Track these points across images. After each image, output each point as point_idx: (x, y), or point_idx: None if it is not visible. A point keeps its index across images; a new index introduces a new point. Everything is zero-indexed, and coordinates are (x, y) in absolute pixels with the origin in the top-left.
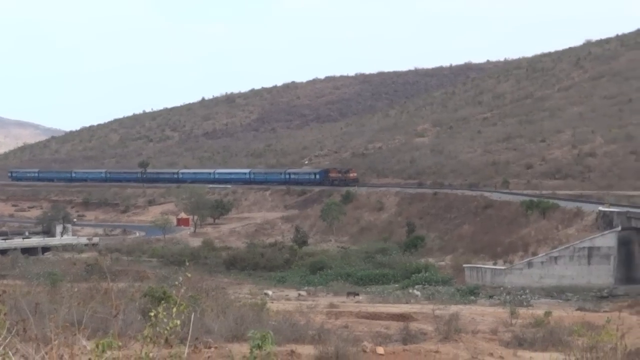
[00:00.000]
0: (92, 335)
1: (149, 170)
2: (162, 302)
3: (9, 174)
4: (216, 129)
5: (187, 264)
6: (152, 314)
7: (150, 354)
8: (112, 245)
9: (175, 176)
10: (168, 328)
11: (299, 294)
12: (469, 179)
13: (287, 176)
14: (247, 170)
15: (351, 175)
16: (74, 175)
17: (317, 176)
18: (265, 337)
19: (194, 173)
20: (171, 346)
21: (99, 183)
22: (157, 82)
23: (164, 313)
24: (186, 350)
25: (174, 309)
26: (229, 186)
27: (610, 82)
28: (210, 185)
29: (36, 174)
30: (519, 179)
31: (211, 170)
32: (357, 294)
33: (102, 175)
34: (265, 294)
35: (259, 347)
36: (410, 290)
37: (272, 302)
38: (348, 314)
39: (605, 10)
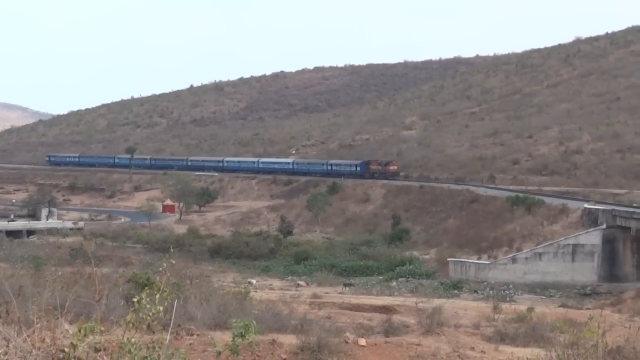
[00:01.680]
0: (75, 320)
1: (193, 157)
2: (146, 288)
3: (47, 159)
4: (204, 117)
5: (172, 250)
6: (135, 299)
7: (132, 340)
8: (97, 230)
9: (220, 164)
10: (151, 314)
11: (298, 284)
12: (455, 173)
13: (329, 167)
14: (290, 160)
15: (391, 168)
16: (117, 161)
17: (358, 168)
18: (248, 326)
19: (239, 162)
20: (153, 332)
21: (143, 169)
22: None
23: (147, 299)
24: (168, 337)
25: (157, 296)
26: (216, 174)
27: (599, 79)
28: (196, 173)
29: (76, 159)
30: (505, 175)
31: (255, 159)
32: (352, 284)
33: (147, 162)
34: (249, 282)
35: (242, 335)
36: (393, 284)
37: (256, 291)
38: (331, 305)
39: (596, 8)
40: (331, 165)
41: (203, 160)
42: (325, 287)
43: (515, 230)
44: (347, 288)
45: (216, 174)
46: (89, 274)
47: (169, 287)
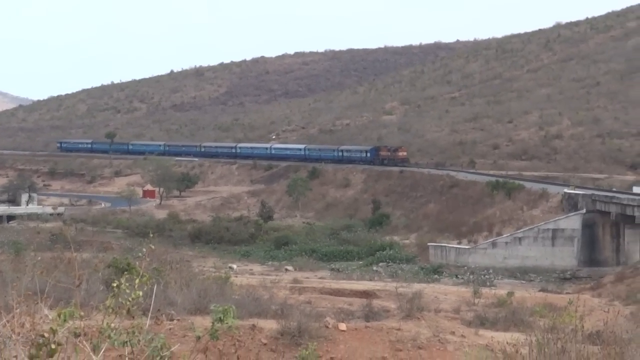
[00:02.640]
0: (55, 305)
1: (206, 143)
2: (125, 273)
3: (58, 145)
4: (184, 102)
5: (152, 236)
6: (114, 284)
7: (112, 325)
8: (77, 216)
9: (233, 150)
10: (130, 299)
11: (286, 269)
12: (435, 158)
13: (340, 153)
14: (302, 146)
15: (400, 154)
16: (130, 147)
17: (368, 154)
18: (227, 311)
19: (251, 148)
20: (133, 317)
21: (156, 156)
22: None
23: (127, 284)
24: (147, 322)
25: (137, 281)
26: (196, 159)
27: (579, 64)
28: (177, 158)
29: (89, 145)
30: (486, 159)
31: (268, 145)
32: (338, 270)
33: (161, 149)
34: (230, 267)
35: (221, 320)
36: (375, 268)
37: (236, 276)
38: (311, 290)
39: None
40: (342, 151)
41: (216, 147)
42: (315, 272)
43: (495, 215)
44: (330, 273)
45: (196, 159)
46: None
47: (149, 273)
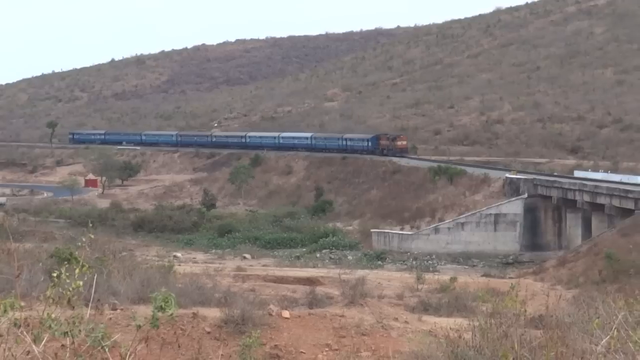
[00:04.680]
0: None
1: (217, 134)
2: (65, 263)
3: (70, 136)
4: (125, 90)
5: (91, 225)
6: (54, 274)
7: (53, 315)
8: (19, 206)
9: (243, 140)
10: (71, 289)
11: (244, 257)
12: None
13: (344, 142)
14: (309, 135)
15: (399, 143)
16: (143, 138)
17: (369, 143)
18: (168, 299)
19: (260, 137)
20: (73, 308)
21: (170, 147)
22: (67, 42)
23: (67, 274)
24: (88, 312)
25: (77, 270)
26: (138, 148)
27: (519, 49)
28: (119, 147)
29: (102, 136)
30: (427, 145)
31: (276, 134)
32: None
33: (173, 139)
34: (175, 256)
35: (162, 308)
36: (318, 255)
37: (180, 265)
38: (255, 278)
39: None
40: (345, 140)
41: (227, 137)
42: (258, 259)
43: (438, 201)
44: (274, 260)
45: (138, 147)
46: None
47: (91, 262)
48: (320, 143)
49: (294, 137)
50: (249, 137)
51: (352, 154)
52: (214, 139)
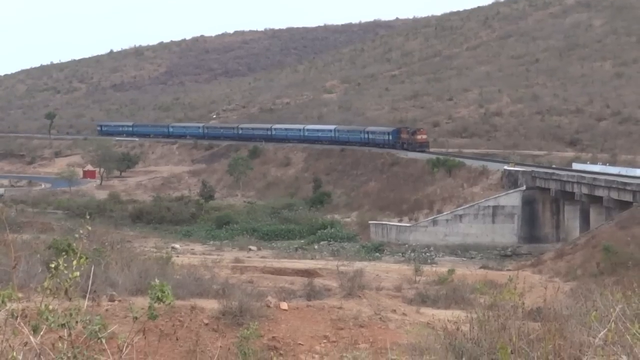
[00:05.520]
0: None
1: (243, 126)
2: (63, 254)
3: (98, 128)
4: (124, 82)
5: (88, 216)
6: (52, 265)
7: (50, 307)
8: (17, 197)
9: (268, 132)
10: (68, 280)
11: (250, 248)
12: None
13: (366, 135)
14: (332, 127)
15: (419, 137)
16: (171, 130)
17: (390, 136)
18: (164, 290)
19: (286, 129)
20: (70, 299)
21: (197, 140)
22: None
23: (65, 265)
24: (85, 303)
25: (75, 262)
26: (137, 139)
27: (518, 42)
28: (117, 138)
29: (130, 129)
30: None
31: (301, 127)
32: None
33: (200, 131)
34: (173, 247)
35: (159, 299)
36: (316, 247)
37: (178, 256)
38: (253, 269)
39: None
40: (367, 133)
41: (253, 129)
42: (257, 251)
43: (436, 193)
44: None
45: (137, 139)
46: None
47: (90, 253)
48: (344, 136)
49: (318, 130)
50: (275, 129)
51: (374, 147)
52: (240, 132)
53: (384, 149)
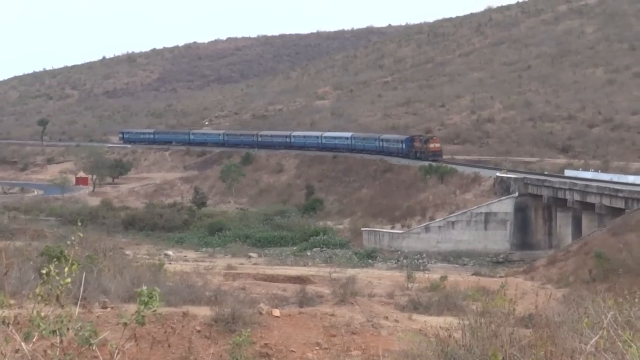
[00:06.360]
0: None
1: (263, 133)
2: (54, 260)
3: (120, 135)
4: (117, 88)
5: (81, 223)
6: (43, 272)
7: (42, 313)
8: (10, 204)
9: (287, 140)
10: (60, 287)
11: (249, 255)
12: None
13: (381, 143)
14: (349, 135)
15: (431, 145)
16: (192, 137)
17: (403, 145)
18: (152, 295)
19: (304, 137)
20: (62, 306)
21: (215, 147)
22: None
23: (56, 271)
24: (77, 310)
25: (66, 269)
26: (129, 146)
27: (510, 48)
28: (110, 145)
29: (151, 136)
30: None
31: (319, 134)
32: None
33: (220, 138)
34: (166, 254)
35: (146, 304)
36: (309, 254)
37: (170, 263)
38: (245, 276)
39: None
40: (382, 141)
41: (272, 136)
42: (240, 258)
43: (429, 199)
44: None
45: (129, 145)
46: None
47: (82, 260)
48: (359, 144)
49: (335, 137)
50: (294, 136)
51: (387, 156)
52: (260, 139)
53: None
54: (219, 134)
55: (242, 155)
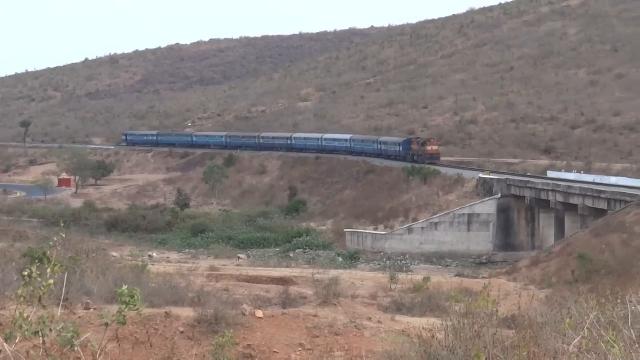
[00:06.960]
0: None
1: (264, 135)
2: (37, 262)
3: (124, 137)
4: (99, 90)
5: (63, 225)
6: (25, 273)
7: (25, 315)
8: None
9: (288, 141)
10: (42, 288)
11: (239, 257)
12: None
13: (379, 146)
14: (348, 137)
15: (429, 148)
16: (194, 139)
17: (401, 148)
18: (133, 295)
19: (305, 139)
20: (44, 307)
21: (218, 150)
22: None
23: (38, 273)
24: (60, 311)
25: (49, 270)
26: (112, 147)
27: (493, 50)
28: (92, 147)
29: (154, 138)
30: None
31: (319, 136)
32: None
33: (222, 140)
34: (150, 256)
35: (127, 304)
36: (292, 255)
37: (153, 265)
38: (229, 277)
39: None
40: (380, 143)
41: (273, 138)
42: (223, 260)
43: (412, 201)
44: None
45: (112, 147)
46: None
47: (65, 261)
48: (358, 146)
49: (335, 140)
50: (295, 138)
51: (386, 159)
52: (261, 141)
53: (359, 157)
54: (222, 136)
55: (225, 156)
